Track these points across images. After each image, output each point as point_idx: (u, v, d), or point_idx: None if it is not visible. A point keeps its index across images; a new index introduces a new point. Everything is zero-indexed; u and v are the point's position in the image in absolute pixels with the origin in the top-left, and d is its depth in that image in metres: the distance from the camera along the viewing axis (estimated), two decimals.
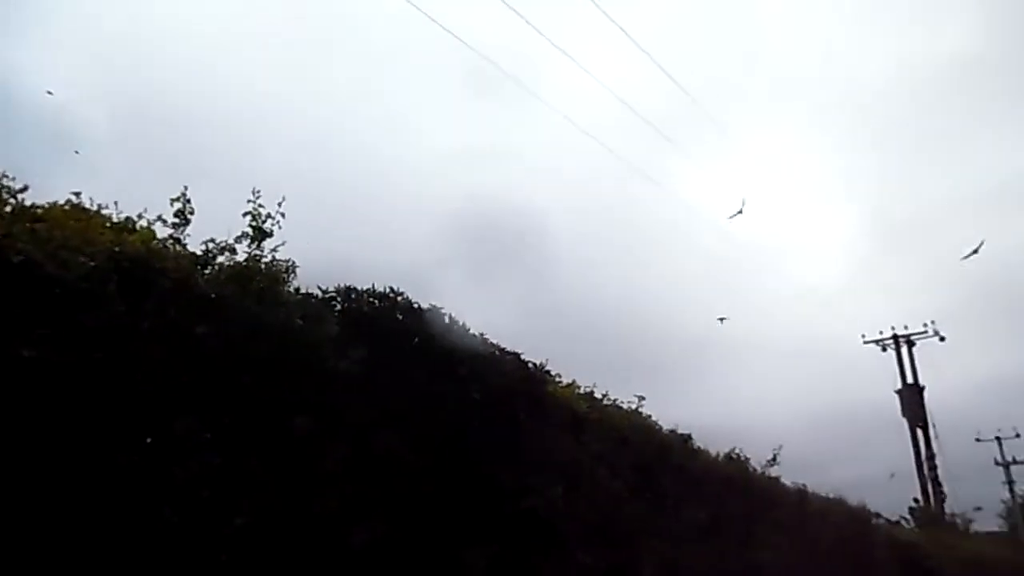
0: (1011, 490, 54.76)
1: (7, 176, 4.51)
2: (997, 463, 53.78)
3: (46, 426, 3.66)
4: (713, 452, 9.91)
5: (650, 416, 8.34)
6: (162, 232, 4.98)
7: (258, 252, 5.13)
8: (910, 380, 34.86)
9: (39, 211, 4.49)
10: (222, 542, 4.11)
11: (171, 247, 4.91)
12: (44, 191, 4.63)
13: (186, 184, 5.04)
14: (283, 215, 5.17)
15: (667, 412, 9.25)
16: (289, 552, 4.43)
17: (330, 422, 4.77)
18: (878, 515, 20.96)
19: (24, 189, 4.57)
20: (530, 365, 6.47)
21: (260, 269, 5.00)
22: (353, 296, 5.28)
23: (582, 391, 7.50)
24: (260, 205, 5.16)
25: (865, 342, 36.78)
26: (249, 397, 4.53)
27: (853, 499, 14.80)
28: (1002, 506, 56.73)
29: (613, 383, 8.43)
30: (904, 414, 34.22)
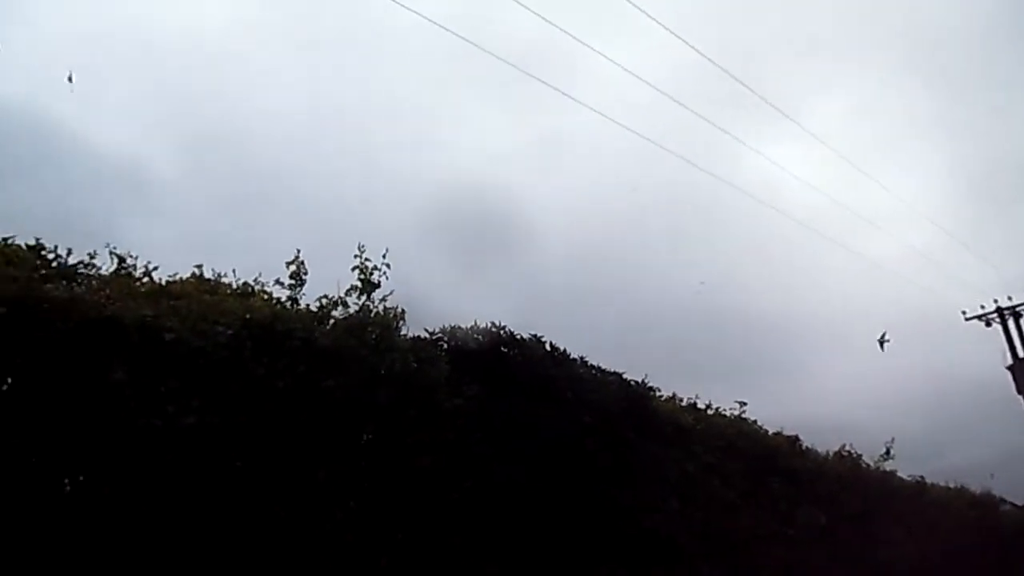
0: None
1: (131, 256, 5.02)
2: None
3: (208, 486, 4.05)
4: (822, 451, 9.72)
5: (755, 421, 8.30)
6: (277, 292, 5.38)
7: (368, 303, 5.43)
8: (1021, 355, 33.06)
9: (173, 287, 4.98)
10: None
11: (291, 307, 5.29)
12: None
13: (298, 248, 5.41)
14: (388, 266, 5.46)
15: (766, 412, 9.12)
16: None
17: (451, 458, 5.02)
18: (1003, 500, 19.84)
19: (155, 269, 5.10)
20: (632, 383, 6.58)
21: (372, 319, 5.31)
22: (459, 335, 5.53)
23: (684, 403, 7.55)
24: (367, 259, 5.46)
25: (967, 318, 34.89)
26: (373, 443, 4.84)
27: (975, 485, 14.17)
28: None
29: (701, 383, 8.38)
30: (1019, 391, 32.45)
